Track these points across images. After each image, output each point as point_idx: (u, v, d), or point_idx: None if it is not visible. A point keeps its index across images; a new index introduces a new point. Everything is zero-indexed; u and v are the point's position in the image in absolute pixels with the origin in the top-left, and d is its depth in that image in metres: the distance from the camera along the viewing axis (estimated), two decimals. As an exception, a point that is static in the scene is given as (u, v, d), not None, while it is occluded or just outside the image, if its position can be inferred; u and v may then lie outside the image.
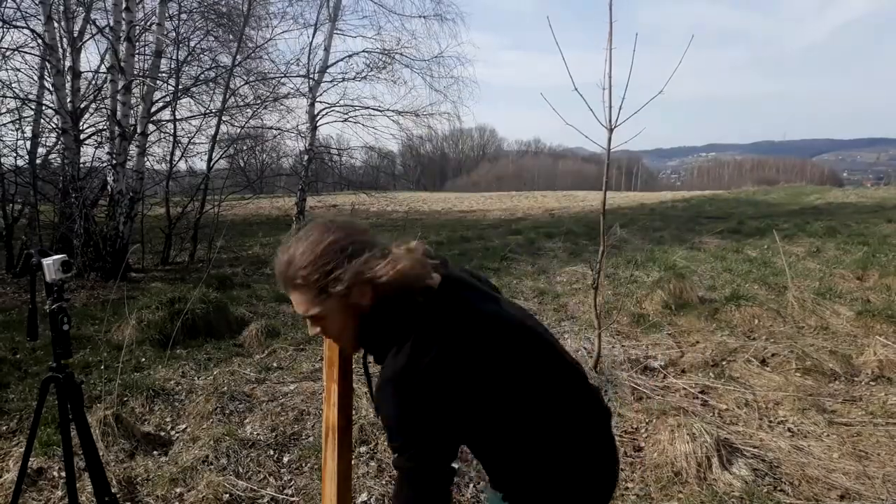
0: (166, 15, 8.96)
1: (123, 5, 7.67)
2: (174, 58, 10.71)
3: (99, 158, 9.57)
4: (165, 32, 9.10)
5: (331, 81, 13.12)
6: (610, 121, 3.78)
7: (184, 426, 3.43)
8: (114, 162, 7.80)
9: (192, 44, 11.05)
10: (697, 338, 4.98)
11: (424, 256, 1.28)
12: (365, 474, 2.88)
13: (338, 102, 13.18)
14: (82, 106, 9.01)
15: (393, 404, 1.17)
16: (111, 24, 8.01)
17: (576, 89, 3.68)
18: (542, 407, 1.26)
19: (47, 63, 8.46)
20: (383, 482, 2.82)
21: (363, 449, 3.11)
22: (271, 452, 3.12)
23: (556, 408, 1.28)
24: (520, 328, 1.29)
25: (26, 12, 8.67)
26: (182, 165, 11.45)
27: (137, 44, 8.86)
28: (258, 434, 3.30)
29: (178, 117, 10.90)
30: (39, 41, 8.16)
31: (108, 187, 8.03)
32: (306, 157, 12.83)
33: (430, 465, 1.18)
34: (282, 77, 12.59)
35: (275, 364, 4.50)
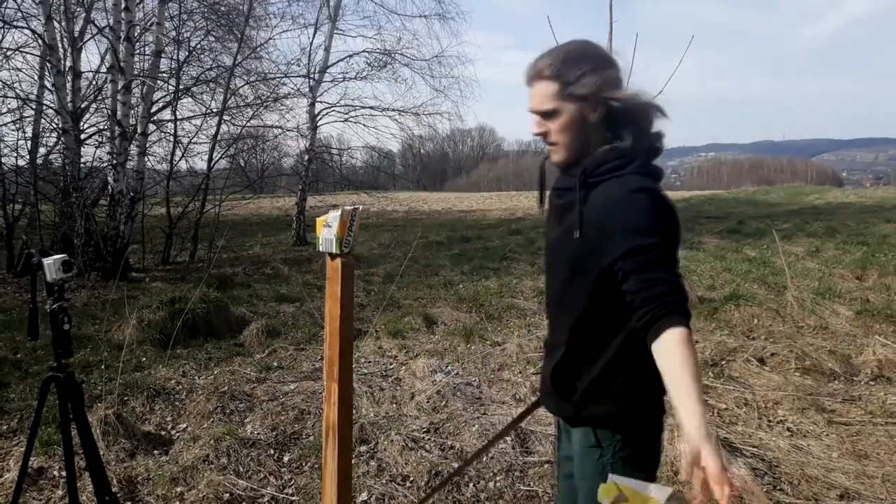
0: (166, 15, 8.98)
1: (123, 5, 7.67)
2: (174, 58, 10.73)
3: (99, 158, 9.59)
4: (165, 32, 9.11)
5: (331, 81, 13.14)
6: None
7: (184, 426, 3.44)
8: (114, 162, 7.81)
9: (192, 44, 11.07)
10: (697, 337, 4.98)
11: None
12: (365, 474, 2.89)
13: (338, 102, 13.20)
14: (83, 106, 9.01)
15: (650, 208, 1.22)
16: (111, 24, 8.02)
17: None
18: None
19: (48, 63, 8.47)
20: (383, 482, 2.82)
21: (363, 449, 3.12)
22: (272, 452, 3.12)
23: None
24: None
25: (27, 12, 8.69)
26: (182, 165, 11.47)
27: (137, 44, 8.88)
28: (258, 433, 3.31)
29: (178, 117, 10.92)
30: (40, 41, 8.17)
31: (109, 187, 8.03)
32: (307, 157, 12.83)
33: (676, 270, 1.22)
34: (282, 77, 12.61)
35: (275, 363, 4.51)
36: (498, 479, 2.84)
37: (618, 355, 1.32)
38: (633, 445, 1.34)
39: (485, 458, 3.03)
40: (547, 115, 1.33)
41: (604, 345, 1.32)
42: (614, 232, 1.23)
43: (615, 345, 1.31)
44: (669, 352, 1.14)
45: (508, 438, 3.21)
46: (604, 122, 1.32)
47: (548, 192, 1.48)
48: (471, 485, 2.80)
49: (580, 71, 1.28)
